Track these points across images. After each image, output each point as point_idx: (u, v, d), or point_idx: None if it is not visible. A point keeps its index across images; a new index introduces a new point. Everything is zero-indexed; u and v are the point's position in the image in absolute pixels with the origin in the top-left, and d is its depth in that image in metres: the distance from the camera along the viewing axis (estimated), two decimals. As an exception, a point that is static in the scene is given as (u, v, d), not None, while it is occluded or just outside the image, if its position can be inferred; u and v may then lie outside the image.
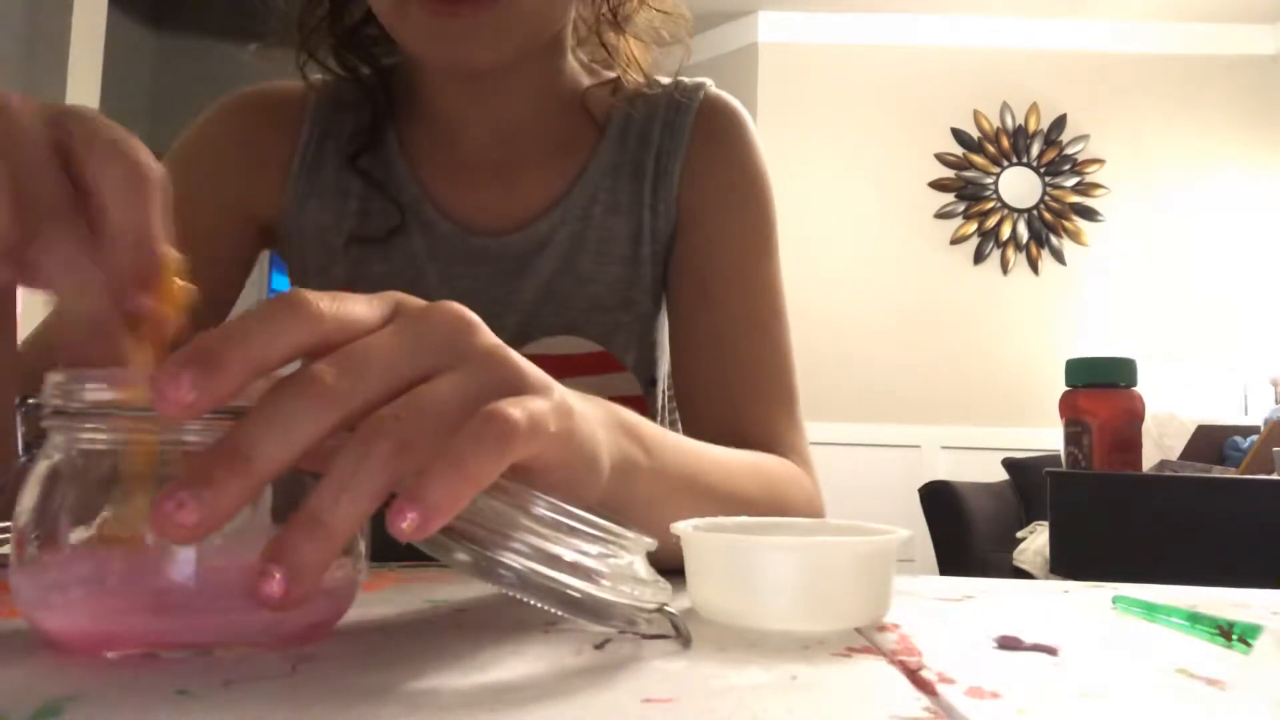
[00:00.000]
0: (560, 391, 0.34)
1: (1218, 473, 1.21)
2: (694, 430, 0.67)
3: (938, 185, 3.83)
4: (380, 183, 0.71)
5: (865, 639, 0.34)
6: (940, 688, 0.28)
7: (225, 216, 0.70)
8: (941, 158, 3.84)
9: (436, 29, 0.59)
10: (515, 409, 0.29)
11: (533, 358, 0.33)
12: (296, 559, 0.26)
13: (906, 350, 3.73)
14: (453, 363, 0.30)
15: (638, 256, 0.71)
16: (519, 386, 0.31)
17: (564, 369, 0.38)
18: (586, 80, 0.74)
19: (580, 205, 0.71)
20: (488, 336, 0.32)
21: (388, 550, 0.40)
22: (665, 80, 0.74)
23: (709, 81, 0.75)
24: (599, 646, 0.32)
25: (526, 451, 0.29)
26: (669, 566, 0.36)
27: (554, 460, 0.32)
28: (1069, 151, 3.81)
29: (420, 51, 0.63)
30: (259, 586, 0.26)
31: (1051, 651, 0.33)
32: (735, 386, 0.68)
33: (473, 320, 0.32)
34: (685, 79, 0.75)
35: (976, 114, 3.84)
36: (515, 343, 0.34)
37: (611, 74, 0.75)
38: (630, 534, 0.32)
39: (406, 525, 0.26)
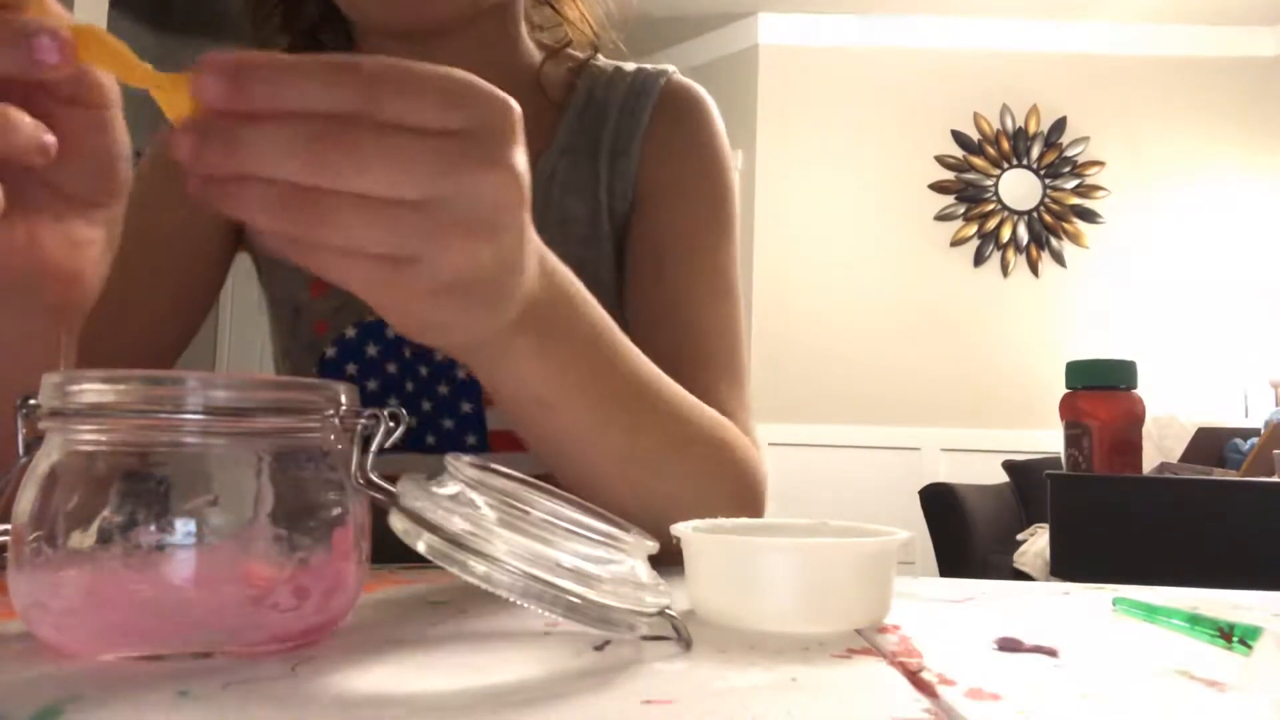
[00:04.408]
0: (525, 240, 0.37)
1: (1218, 475, 1.20)
2: None
3: (938, 187, 3.83)
4: None
5: (865, 640, 0.34)
6: (940, 689, 0.28)
7: (199, 214, 0.70)
8: (942, 160, 3.84)
9: None
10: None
11: None
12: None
13: (906, 352, 3.73)
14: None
15: (597, 236, 0.71)
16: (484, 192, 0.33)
17: None
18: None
19: (538, 186, 0.71)
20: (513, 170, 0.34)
21: (388, 552, 0.40)
22: (630, 67, 0.75)
23: (672, 68, 0.76)
24: (599, 648, 0.32)
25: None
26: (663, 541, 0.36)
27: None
28: (1069, 154, 3.81)
29: (375, 13, 0.62)
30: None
31: (1052, 653, 0.33)
32: (685, 358, 0.66)
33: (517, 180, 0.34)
34: (649, 65, 0.75)
35: (976, 116, 3.84)
36: None
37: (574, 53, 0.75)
38: (630, 537, 0.32)
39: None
